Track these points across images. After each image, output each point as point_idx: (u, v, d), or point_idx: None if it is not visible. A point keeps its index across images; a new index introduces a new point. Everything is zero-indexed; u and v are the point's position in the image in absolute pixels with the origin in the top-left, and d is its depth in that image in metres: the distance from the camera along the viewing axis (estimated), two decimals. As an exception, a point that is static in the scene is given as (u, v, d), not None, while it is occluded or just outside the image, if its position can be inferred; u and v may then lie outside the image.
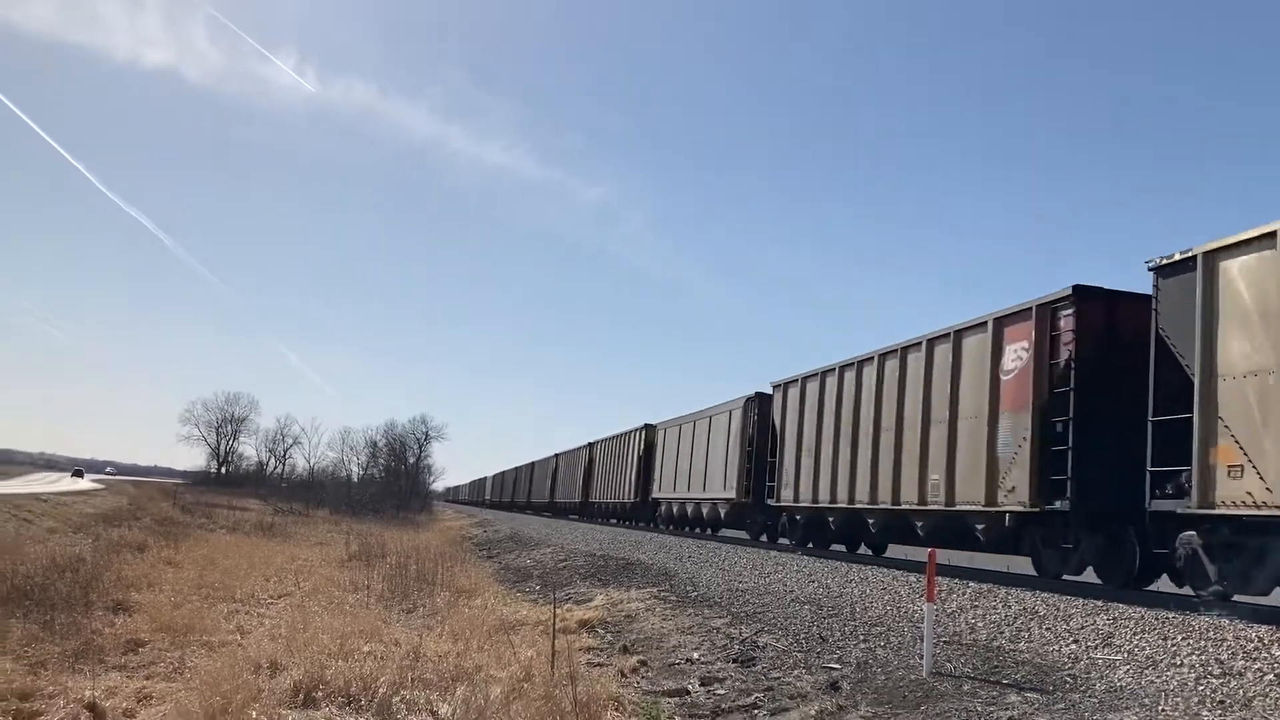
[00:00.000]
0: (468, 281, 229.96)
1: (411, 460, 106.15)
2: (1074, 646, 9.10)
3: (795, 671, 9.37)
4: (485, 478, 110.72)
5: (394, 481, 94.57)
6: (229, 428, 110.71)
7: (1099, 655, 8.66)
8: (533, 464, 70.27)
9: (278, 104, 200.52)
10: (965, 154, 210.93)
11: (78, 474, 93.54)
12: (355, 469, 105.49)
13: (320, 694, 8.51)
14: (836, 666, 9.30)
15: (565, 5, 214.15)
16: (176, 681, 9.67)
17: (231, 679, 8.48)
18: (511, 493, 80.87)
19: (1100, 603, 11.13)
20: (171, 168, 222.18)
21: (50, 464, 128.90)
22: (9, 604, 12.37)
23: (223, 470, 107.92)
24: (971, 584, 13.56)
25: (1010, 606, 11.40)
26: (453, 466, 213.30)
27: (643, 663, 10.68)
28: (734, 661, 10.25)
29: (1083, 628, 9.77)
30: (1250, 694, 7.00)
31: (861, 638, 10.51)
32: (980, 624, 10.74)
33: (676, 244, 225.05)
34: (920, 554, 18.68)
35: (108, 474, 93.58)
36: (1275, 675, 7.34)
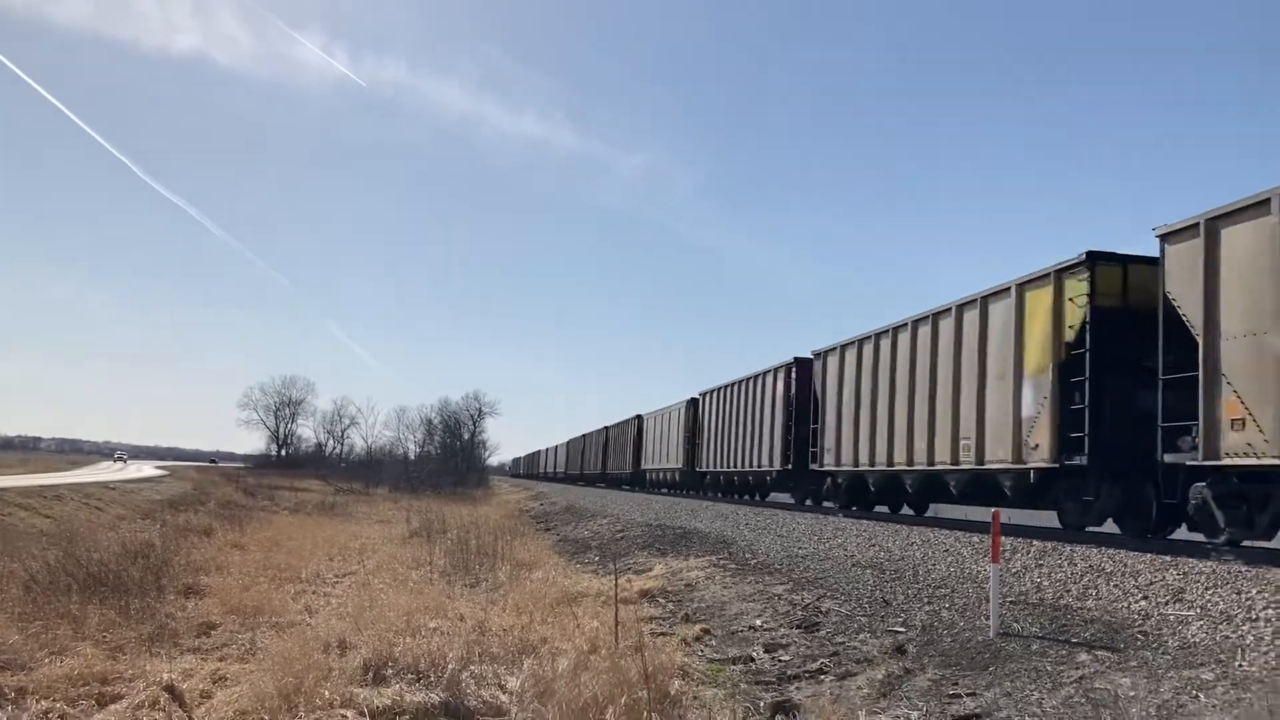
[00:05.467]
0: (512, 256, 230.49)
1: (466, 436, 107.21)
2: (1144, 603, 8.97)
3: (860, 636, 9.35)
4: (538, 451, 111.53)
5: (450, 458, 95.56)
6: (287, 410, 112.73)
7: (1170, 611, 8.52)
8: (584, 437, 70.76)
9: (309, 85, 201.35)
10: (1016, 118, 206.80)
11: (120, 459, 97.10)
12: (412, 447, 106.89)
13: (390, 671, 8.61)
14: (901, 630, 9.27)
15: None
16: (249, 663, 9.84)
17: (302, 659, 8.61)
18: (564, 465, 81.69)
19: (1169, 558, 10.96)
20: (211, 154, 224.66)
21: (113, 452, 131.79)
22: (86, 591, 12.66)
23: (282, 453, 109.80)
24: (1035, 543, 13.41)
25: (1076, 564, 11.26)
26: (507, 441, 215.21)
27: (706, 631, 10.71)
28: (797, 627, 10.26)
29: (1152, 583, 9.62)
30: (1329, 647, 6.86)
31: (926, 600, 10.45)
32: (1046, 583, 10.62)
33: (722, 212, 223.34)
34: (958, 512, 18.89)
35: (118, 459, 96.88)
36: (1354, 627, 7.19)
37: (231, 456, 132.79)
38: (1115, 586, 9.81)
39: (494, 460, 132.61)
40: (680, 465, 39.93)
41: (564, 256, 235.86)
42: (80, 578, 13.26)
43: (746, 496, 31.83)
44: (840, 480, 23.11)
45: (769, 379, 28.92)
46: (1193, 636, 7.56)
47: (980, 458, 16.44)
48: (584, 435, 71.26)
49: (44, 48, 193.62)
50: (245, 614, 12.76)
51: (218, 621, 12.36)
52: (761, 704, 7.44)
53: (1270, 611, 7.91)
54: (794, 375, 27.03)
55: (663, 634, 10.67)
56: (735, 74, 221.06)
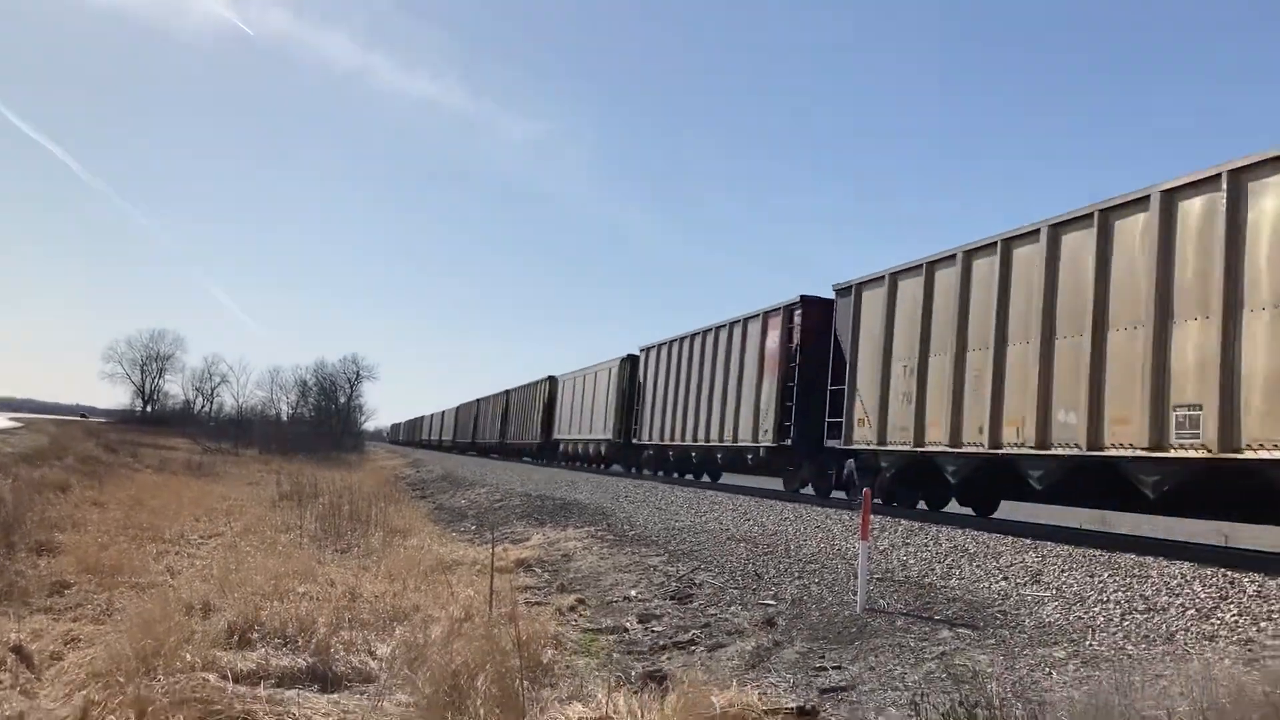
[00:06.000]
0: (397, 217, 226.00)
1: (342, 400, 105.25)
2: (1003, 583, 9.32)
3: (732, 608, 9.48)
4: (421, 417, 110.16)
5: (325, 421, 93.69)
6: (154, 365, 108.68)
7: (1028, 592, 8.88)
8: (478, 401, 69.87)
9: (190, 27, 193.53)
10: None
11: None
12: (285, 408, 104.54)
13: (255, 635, 8.40)
14: (772, 603, 9.43)
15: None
16: (105, 624, 9.46)
17: (163, 621, 8.30)
18: (439, 433, 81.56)
19: (1029, 540, 11.42)
20: (84, 95, 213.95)
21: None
22: (-74, 546, 12.01)
23: (148, 409, 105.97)
24: (904, 522, 13.81)
25: (941, 544, 11.64)
26: (384, 406, 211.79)
27: (580, 601, 10.74)
28: (671, 599, 10.35)
29: (1011, 565, 10.01)
30: (1173, 629, 7.23)
31: (796, 575, 10.66)
32: (912, 561, 10.95)
33: (613, 184, 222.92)
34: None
35: None
36: (1196, 610, 7.59)
37: (94, 411, 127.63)
38: (978, 567, 10.18)
39: (371, 425, 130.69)
40: (609, 437, 34.27)
41: (451, 220, 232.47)
42: (-79, 532, 12.56)
43: (585, 465, 32.85)
44: (650, 453, 30.35)
45: (608, 369, 28.23)
46: (1048, 616, 7.89)
47: (735, 438, 22.87)
48: (477, 400, 69.41)
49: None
50: (102, 574, 12.25)
51: (72, 581, 11.85)
52: (633, 673, 7.49)
53: (1119, 594, 8.30)
54: (627, 367, 26.52)
55: (538, 603, 10.65)
56: (644, 45, 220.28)
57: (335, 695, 7.05)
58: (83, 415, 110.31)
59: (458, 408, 79.39)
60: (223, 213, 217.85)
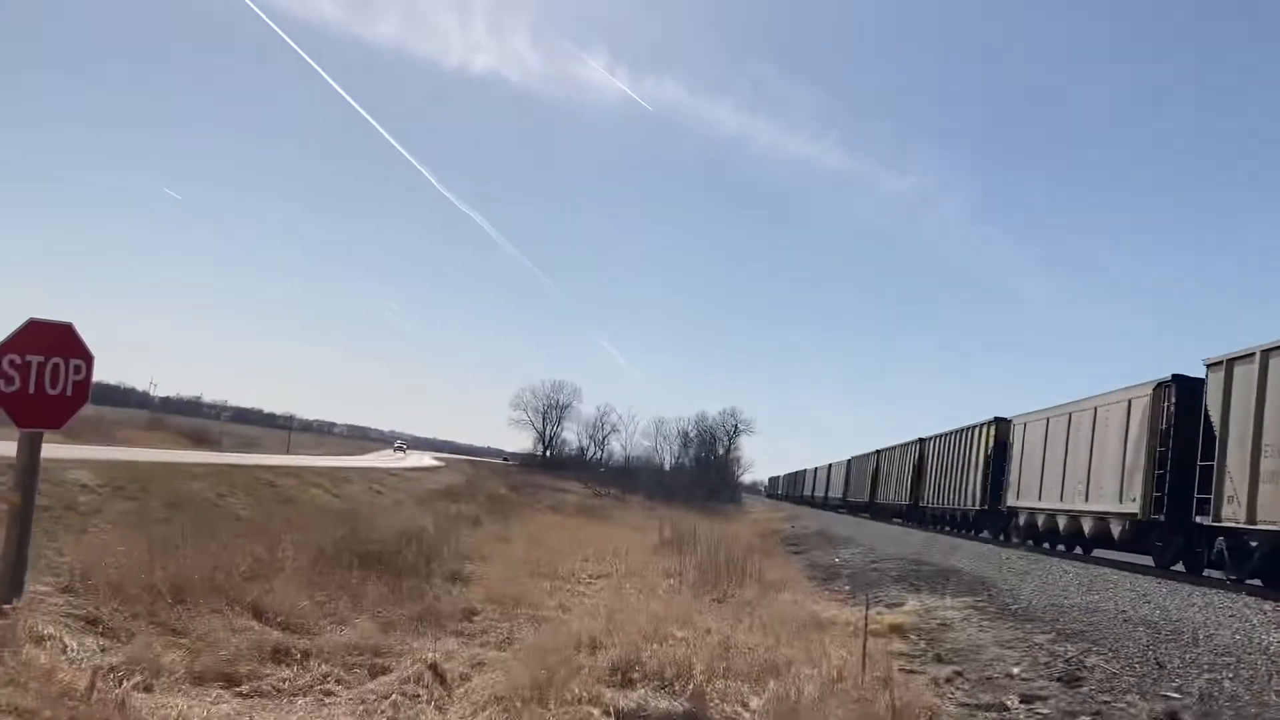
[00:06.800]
0: (776, 276, 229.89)
1: (721, 451, 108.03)
2: None
3: (1128, 696, 8.70)
4: (790, 473, 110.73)
5: (704, 471, 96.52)
6: (554, 414, 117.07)
7: None
8: (830, 465, 68.52)
9: (589, 103, 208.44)
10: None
11: (399, 448, 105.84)
12: (668, 457, 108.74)
13: (636, 675, 8.78)
14: (1176, 695, 8.56)
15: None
16: (505, 651, 10.29)
17: (555, 653, 8.92)
18: (825, 490, 76.23)
19: None
20: (497, 168, 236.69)
21: (394, 441, 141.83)
22: (365, 567, 13.65)
23: (548, 454, 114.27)
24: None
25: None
26: (759, 460, 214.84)
27: (958, 673, 10.27)
28: (1058, 680, 9.66)
29: None
30: None
31: (1205, 667, 9.61)
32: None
33: (998, 236, 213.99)
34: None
35: (397, 449, 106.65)
36: None
37: (500, 453, 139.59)
38: None
39: (747, 478, 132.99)
40: (977, 504, 32.66)
41: (830, 277, 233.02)
42: (361, 554, 14.29)
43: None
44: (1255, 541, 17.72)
45: (1124, 402, 21.99)
46: None
47: None
48: (847, 459, 65.61)
49: (355, 62, 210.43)
50: (504, 604, 13.34)
51: (479, 608, 12.98)
52: (1015, 757, 7.06)
53: None
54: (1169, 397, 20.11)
55: (912, 671, 10.32)
56: (1030, 92, 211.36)
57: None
58: (505, 460, 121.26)
59: (830, 464, 75.98)
60: (612, 272, 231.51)
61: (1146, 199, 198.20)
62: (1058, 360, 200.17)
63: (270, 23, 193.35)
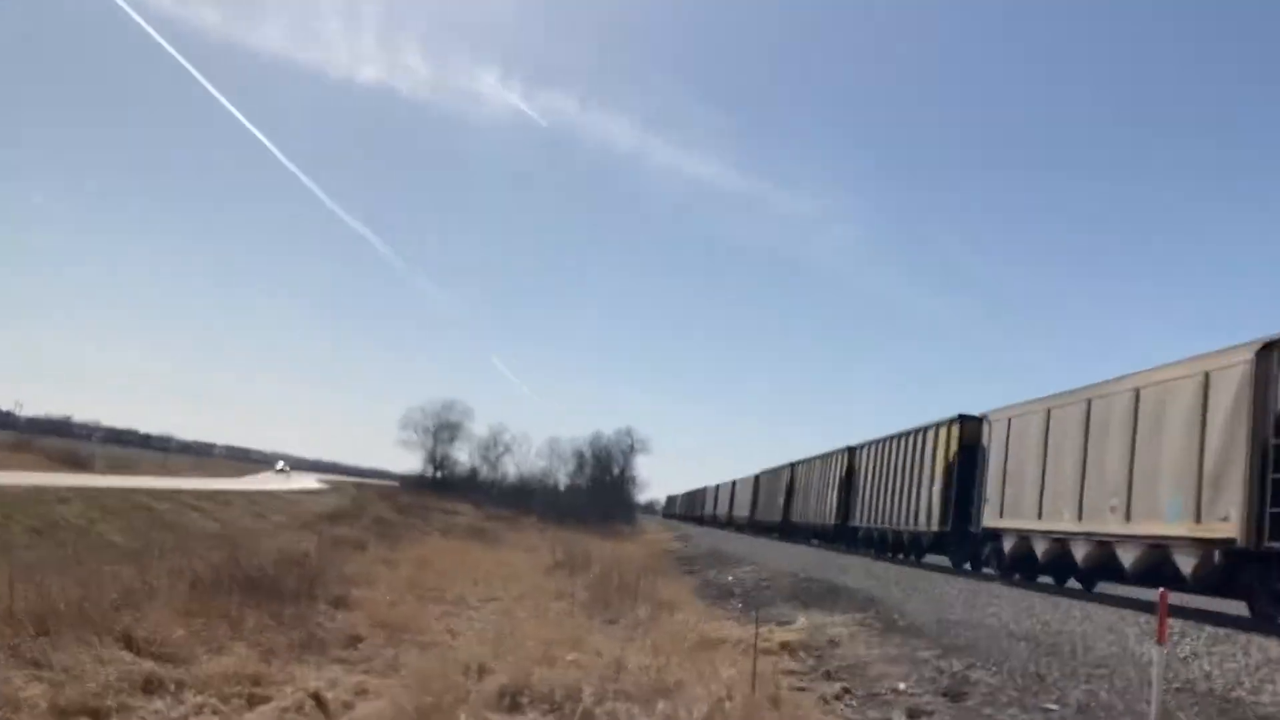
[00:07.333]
0: (668, 295, 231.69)
1: (616, 471, 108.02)
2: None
3: (1010, 710, 8.90)
4: (686, 492, 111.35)
5: (599, 492, 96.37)
6: (445, 434, 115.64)
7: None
8: (734, 482, 69.36)
9: (481, 117, 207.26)
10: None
11: (282, 470, 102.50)
12: (563, 478, 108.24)
13: (525, 699, 8.66)
14: (1055, 708, 8.78)
15: (787, 9, 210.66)
16: (391, 678, 10.04)
17: (442, 679, 8.75)
18: (713, 508, 78.59)
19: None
20: (385, 181, 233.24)
21: (276, 462, 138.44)
22: (245, 593, 13.19)
23: (438, 475, 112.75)
24: (1208, 628, 12.55)
25: (1251, 655, 10.47)
26: (656, 479, 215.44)
27: (846, 690, 10.38)
28: (943, 695, 9.82)
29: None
30: None
31: (1083, 679, 9.88)
32: (1216, 671, 9.91)
33: (889, 259, 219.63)
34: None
35: (280, 470, 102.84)
36: None
37: (388, 475, 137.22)
38: (1299, 684, 9.07)
39: (643, 498, 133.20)
40: (833, 519, 36.40)
41: (722, 297, 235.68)
42: (241, 580, 13.83)
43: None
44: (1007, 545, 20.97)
45: (933, 430, 26.50)
46: None
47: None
48: (733, 480, 68.10)
49: (241, 72, 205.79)
50: (390, 630, 13.05)
51: (364, 634, 12.68)
52: (901, 772, 7.14)
53: None
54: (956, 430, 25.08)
55: (801, 689, 10.39)
56: (911, 114, 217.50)
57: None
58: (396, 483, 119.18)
59: (718, 485, 78.03)
60: (505, 289, 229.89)
61: (1032, 218, 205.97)
62: (952, 377, 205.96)
63: (147, 26, 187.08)
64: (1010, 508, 20.70)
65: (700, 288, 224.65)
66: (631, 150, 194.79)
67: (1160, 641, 8.35)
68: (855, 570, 24.16)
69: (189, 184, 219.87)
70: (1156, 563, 15.36)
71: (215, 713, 8.21)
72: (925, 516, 26.26)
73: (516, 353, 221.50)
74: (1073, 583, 19.98)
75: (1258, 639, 11.47)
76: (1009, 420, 21.49)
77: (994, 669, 10.67)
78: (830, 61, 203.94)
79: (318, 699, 8.60)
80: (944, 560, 26.18)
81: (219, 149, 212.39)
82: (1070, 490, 17.99)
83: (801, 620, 15.73)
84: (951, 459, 24.84)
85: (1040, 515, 19.14)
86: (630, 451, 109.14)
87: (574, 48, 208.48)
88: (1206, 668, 10.17)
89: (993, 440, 22.33)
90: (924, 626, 14.09)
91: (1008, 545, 20.80)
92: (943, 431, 26.01)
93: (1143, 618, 13.50)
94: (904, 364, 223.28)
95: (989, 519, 21.84)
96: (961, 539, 24.28)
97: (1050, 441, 19.20)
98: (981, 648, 12.00)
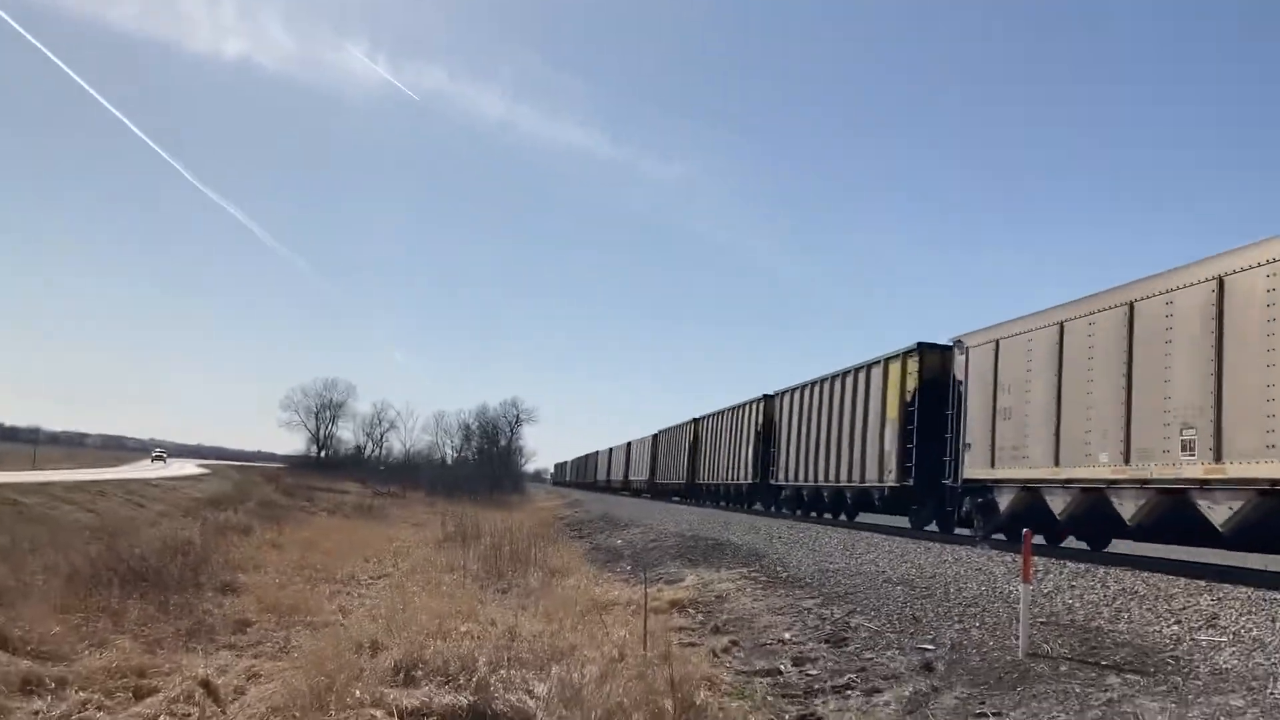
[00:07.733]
0: (548, 263, 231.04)
1: (503, 443, 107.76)
2: (1176, 628, 8.89)
3: (889, 652, 9.33)
4: (576, 458, 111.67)
5: (487, 464, 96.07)
6: (328, 413, 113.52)
7: (1203, 637, 8.44)
8: (628, 444, 68.25)
9: (351, 91, 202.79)
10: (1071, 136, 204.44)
11: (159, 456, 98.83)
12: (449, 451, 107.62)
13: (420, 673, 8.73)
14: (930, 647, 9.24)
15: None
16: (283, 660, 10.00)
17: (335, 658, 8.75)
18: (606, 474, 77.38)
19: (1204, 583, 10.85)
20: (254, 157, 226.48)
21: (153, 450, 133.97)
22: (126, 585, 12.92)
23: (322, 454, 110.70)
24: (1069, 564, 13.31)
25: (1109, 587, 11.16)
26: (544, 449, 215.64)
27: (734, 643, 10.74)
28: (826, 642, 10.25)
29: (1185, 608, 9.53)
30: (1364, 677, 6.76)
31: (956, 619, 10.41)
32: (1078, 604, 10.54)
33: (757, 220, 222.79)
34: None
35: (157, 457, 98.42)
36: (1391, 658, 7.04)
37: (272, 457, 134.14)
38: (1148, 610, 9.73)
39: (531, 467, 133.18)
40: (748, 478, 34.03)
41: (600, 264, 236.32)
42: (121, 572, 13.53)
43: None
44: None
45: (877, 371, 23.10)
46: (1224, 663, 7.49)
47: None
48: (627, 442, 66.82)
49: (97, 48, 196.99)
50: (280, 612, 12.96)
51: (253, 619, 12.56)
52: (787, 717, 7.47)
53: (1305, 640, 7.76)
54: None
55: (692, 644, 10.71)
56: (774, 79, 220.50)
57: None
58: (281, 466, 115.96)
59: (611, 449, 77.55)
60: (382, 263, 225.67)
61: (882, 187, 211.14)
62: (819, 335, 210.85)
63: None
64: (1007, 454, 16.61)
65: (584, 255, 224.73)
66: (500, 119, 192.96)
67: (1026, 580, 8.87)
68: (738, 526, 24.73)
69: (51, 171, 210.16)
70: (1266, 516, 11.29)
71: (100, 708, 8.09)
72: (877, 469, 22.26)
73: (399, 327, 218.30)
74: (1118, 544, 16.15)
75: (1115, 571, 12.22)
76: (996, 343, 17.19)
77: (873, 614, 11.15)
78: (696, 30, 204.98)
79: (207, 686, 8.54)
80: (897, 521, 22.73)
81: (77, 129, 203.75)
82: (1110, 425, 13.87)
83: (690, 578, 16.10)
84: (910, 398, 20.86)
85: (1057, 461, 15.11)
86: (517, 422, 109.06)
87: (438, 17, 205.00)
88: (1069, 600, 10.81)
89: (971, 371, 18.06)
90: (807, 577, 14.57)
91: (1004, 501, 16.74)
92: (894, 366, 21.75)
93: (1009, 557, 14.23)
94: (784, 326, 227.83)
95: (974, 469, 17.64)
96: (927, 495, 20.22)
97: (1067, 364, 15.10)
98: (861, 595, 12.50)
